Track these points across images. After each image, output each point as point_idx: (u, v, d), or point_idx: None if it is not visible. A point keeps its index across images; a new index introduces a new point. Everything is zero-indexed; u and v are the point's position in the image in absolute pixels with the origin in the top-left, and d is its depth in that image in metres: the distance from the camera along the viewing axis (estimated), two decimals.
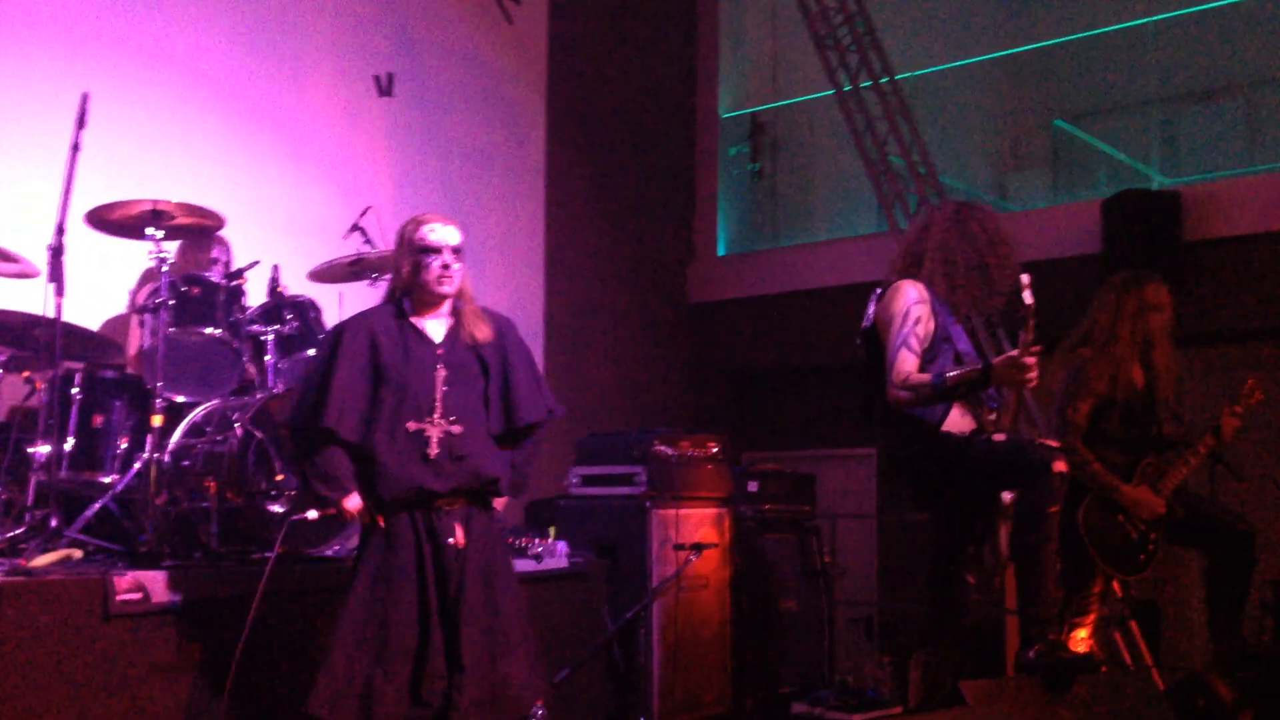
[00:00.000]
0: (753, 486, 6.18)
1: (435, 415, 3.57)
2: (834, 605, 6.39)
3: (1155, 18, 8.08)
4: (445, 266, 3.70)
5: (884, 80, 8.18)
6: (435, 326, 3.73)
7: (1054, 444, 3.94)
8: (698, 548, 5.54)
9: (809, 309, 8.51)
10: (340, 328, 3.71)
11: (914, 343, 3.94)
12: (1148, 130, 8.46)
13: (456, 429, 3.59)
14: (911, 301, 4.01)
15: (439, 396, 3.59)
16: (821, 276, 8.52)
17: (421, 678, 3.48)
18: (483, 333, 3.76)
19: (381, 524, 3.56)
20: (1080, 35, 8.44)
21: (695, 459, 5.83)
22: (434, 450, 3.55)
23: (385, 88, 7.12)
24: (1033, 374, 3.74)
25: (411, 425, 3.55)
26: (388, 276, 5.53)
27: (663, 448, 5.70)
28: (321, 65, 6.87)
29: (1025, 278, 3.79)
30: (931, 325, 4.00)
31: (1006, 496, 4.01)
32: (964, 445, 3.95)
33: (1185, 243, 7.06)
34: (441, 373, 3.62)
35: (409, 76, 7.26)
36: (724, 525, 5.86)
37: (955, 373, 3.85)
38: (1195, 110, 8.41)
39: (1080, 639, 4.55)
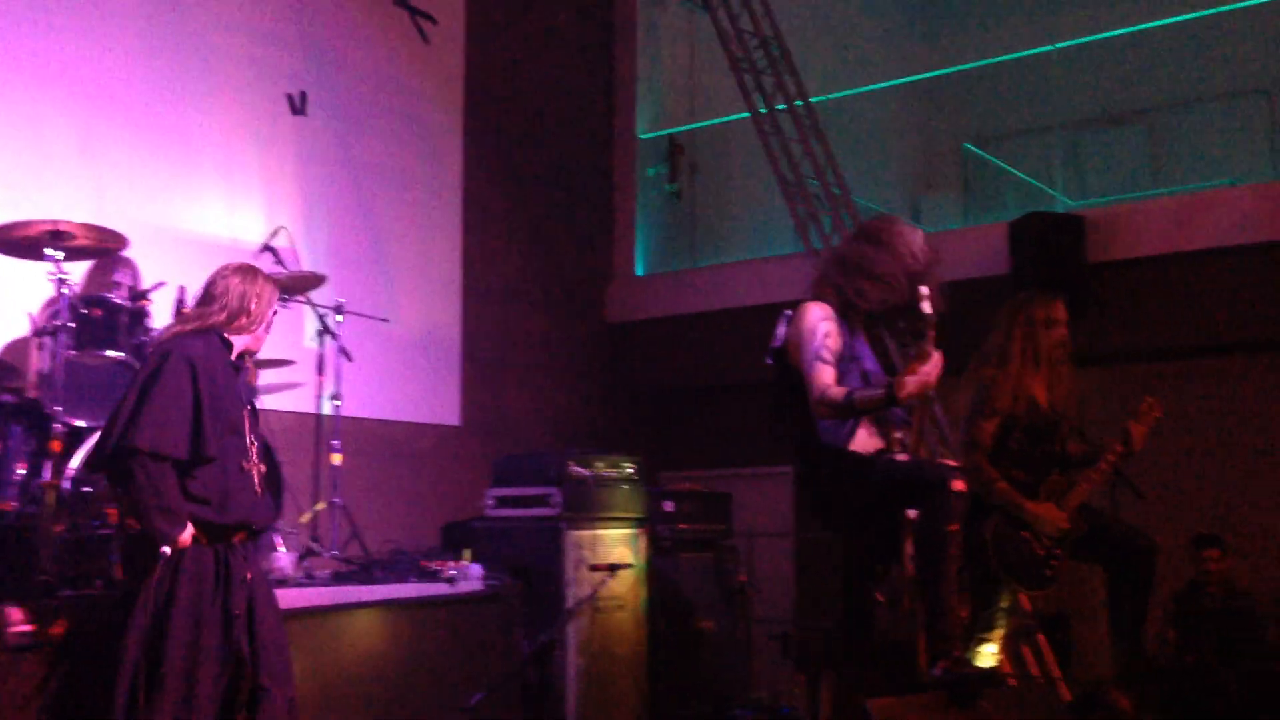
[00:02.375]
0: (669, 506, 6.19)
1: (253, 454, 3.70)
2: (751, 624, 6.41)
3: (1061, 45, 8.29)
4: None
5: (798, 103, 8.29)
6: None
7: (952, 463, 4.00)
8: (613, 568, 5.54)
9: (726, 328, 8.56)
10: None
11: (826, 355, 4.01)
12: (1054, 154, 8.68)
13: (263, 468, 3.74)
14: (818, 319, 4.07)
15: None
16: (738, 296, 8.58)
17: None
18: None
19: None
20: (989, 61, 8.64)
21: (610, 479, 5.83)
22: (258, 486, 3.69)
23: (298, 106, 7.04)
24: (931, 382, 3.82)
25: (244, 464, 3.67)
26: (300, 298, 5.51)
27: (578, 468, 5.69)
28: (233, 83, 6.76)
29: (924, 289, 3.87)
30: (839, 342, 4.06)
31: (911, 514, 4.06)
32: (867, 465, 4.01)
33: (1089, 264, 7.22)
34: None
35: (323, 95, 7.19)
36: (640, 545, 5.86)
37: (863, 394, 3.91)
38: (1099, 135, 8.65)
39: (988, 654, 4.61)
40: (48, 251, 4.50)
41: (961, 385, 4.85)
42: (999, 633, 4.68)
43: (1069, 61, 8.35)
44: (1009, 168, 8.84)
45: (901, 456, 4.03)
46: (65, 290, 4.49)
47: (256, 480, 3.68)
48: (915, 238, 4.17)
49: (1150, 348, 7.16)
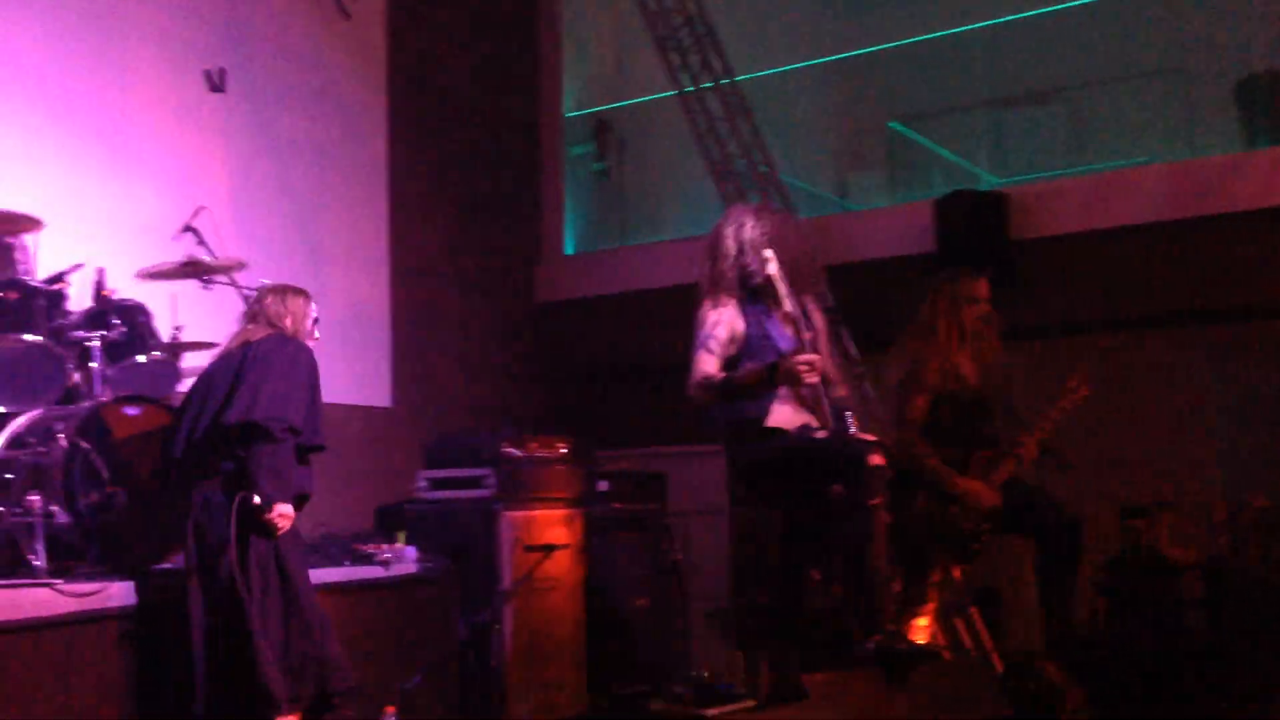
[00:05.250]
0: (603, 486, 6.19)
1: None
2: (687, 602, 6.43)
3: (984, 23, 8.38)
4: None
5: (724, 81, 8.28)
6: None
7: (871, 438, 4.06)
8: (549, 549, 5.53)
9: (656, 307, 8.55)
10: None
11: (713, 344, 4.14)
12: (977, 132, 8.78)
13: None
14: (706, 309, 4.22)
15: None
16: (668, 275, 8.54)
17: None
18: None
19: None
20: (913, 40, 8.70)
21: (544, 460, 5.81)
22: None
23: (217, 83, 6.85)
24: (812, 375, 3.90)
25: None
26: (224, 279, 5.38)
27: (511, 449, 5.66)
28: (147, 58, 6.58)
29: (767, 251, 4.02)
30: (741, 326, 4.12)
31: (837, 490, 4.10)
32: (785, 440, 4.05)
33: (1013, 241, 7.34)
34: None
35: (242, 72, 7.01)
36: (575, 526, 5.85)
37: (742, 373, 4.01)
38: (1022, 113, 8.76)
39: (920, 627, 4.68)
40: None
41: (890, 361, 4.92)
42: (931, 606, 4.76)
43: (993, 39, 8.44)
44: (934, 146, 8.93)
45: (820, 434, 4.08)
46: None
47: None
48: (747, 211, 4.40)
49: (1072, 322, 7.29)
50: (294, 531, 4.01)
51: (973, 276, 4.89)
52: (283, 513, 3.90)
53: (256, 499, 3.83)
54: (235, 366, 4.03)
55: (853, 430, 4.21)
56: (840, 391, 4.39)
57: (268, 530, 3.87)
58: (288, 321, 4.25)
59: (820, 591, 4.36)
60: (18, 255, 5.10)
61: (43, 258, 5.27)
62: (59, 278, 4.84)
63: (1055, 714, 4.10)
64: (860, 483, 3.91)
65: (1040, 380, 5.06)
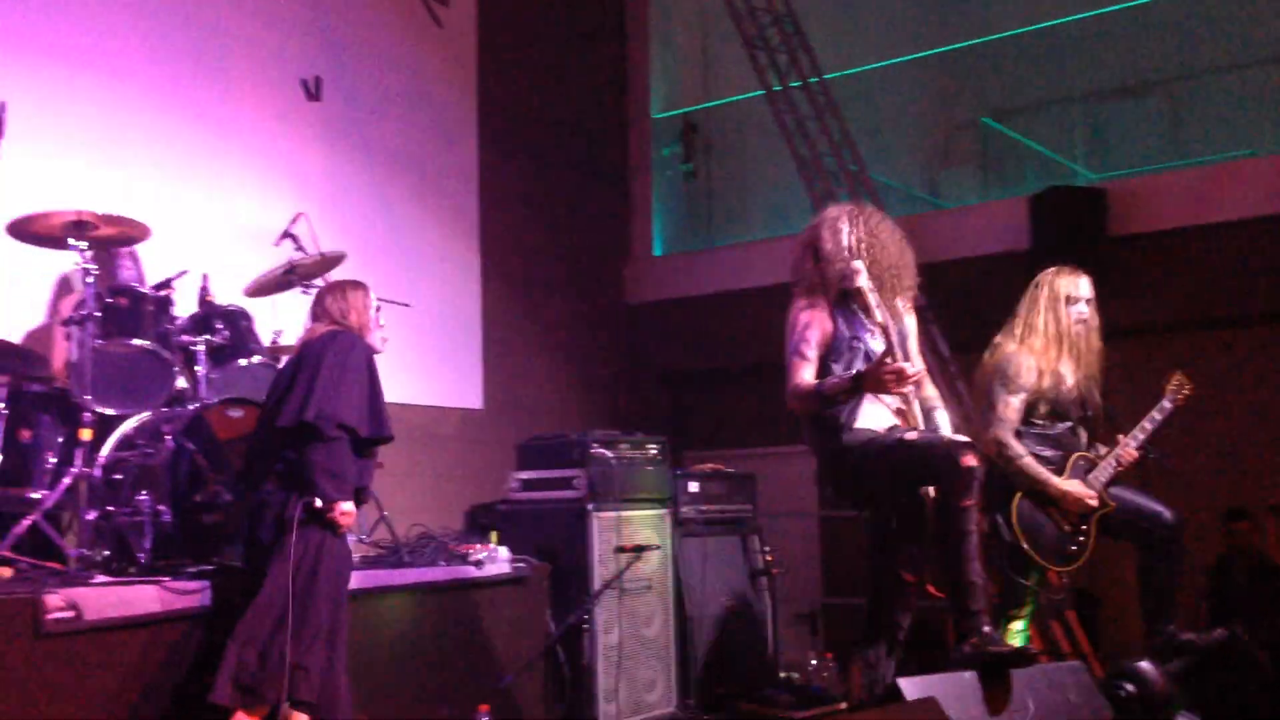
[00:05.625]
0: (693, 487, 6.18)
1: None
2: (777, 603, 6.40)
3: (1079, 16, 8.22)
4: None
5: (813, 80, 8.24)
6: None
7: (965, 439, 4.00)
8: (639, 550, 5.54)
9: (745, 307, 8.54)
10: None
11: (806, 350, 4.08)
12: (1073, 127, 8.61)
13: None
14: (797, 311, 4.16)
15: None
16: (757, 275, 8.55)
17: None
18: None
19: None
20: (1007, 34, 8.57)
21: (635, 461, 5.82)
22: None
23: (313, 92, 7.03)
24: (898, 384, 3.85)
25: None
26: (317, 283, 5.50)
27: (601, 450, 5.68)
28: (248, 70, 6.75)
29: (857, 263, 3.96)
30: (830, 327, 4.09)
31: (930, 492, 4.06)
32: (874, 442, 4.01)
33: (1111, 237, 7.19)
34: None
35: (338, 81, 7.18)
36: (665, 526, 5.86)
37: (832, 382, 3.97)
38: (1119, 106, 8.57)
39: (1017, 631, 4.62)
40: (70, 242, 4.50)
41: (984, 361, 4.84)
42: (1028, 610, 4.69)
43: (1087, 33, 8.27)
44: (1028, 141, 8.78)
45: (911, 435, 4.03)
46: (90, 280, 4.50)
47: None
48: (840, 212, 4.30)
49: (1174, 321, 7.12)
50: (343, 536, 3.97)
51: (1076, 275, 4.78)
52: (344, 511, 3.88)
53: (318, 502, 3.80)
54: (292, 369, 4.03)
55: (944, 431, 4.16)
56: (931, 392, 4.34)
57: (333, 528, 3.86)
58: (352, 317, 4.18)
59: (914, 594, 4.31)
60: (129, 263, 5.28)
61: (148, 264, 5.47)
62: (166, 284, 4.98)
63: (1157, 719, 4.01)
64: (954, 483, 3.86)
65: (1140, 380, 4.96)
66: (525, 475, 5.91)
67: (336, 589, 3.89)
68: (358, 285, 4.28)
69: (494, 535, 5.45)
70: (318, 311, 4.22)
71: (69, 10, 5.98)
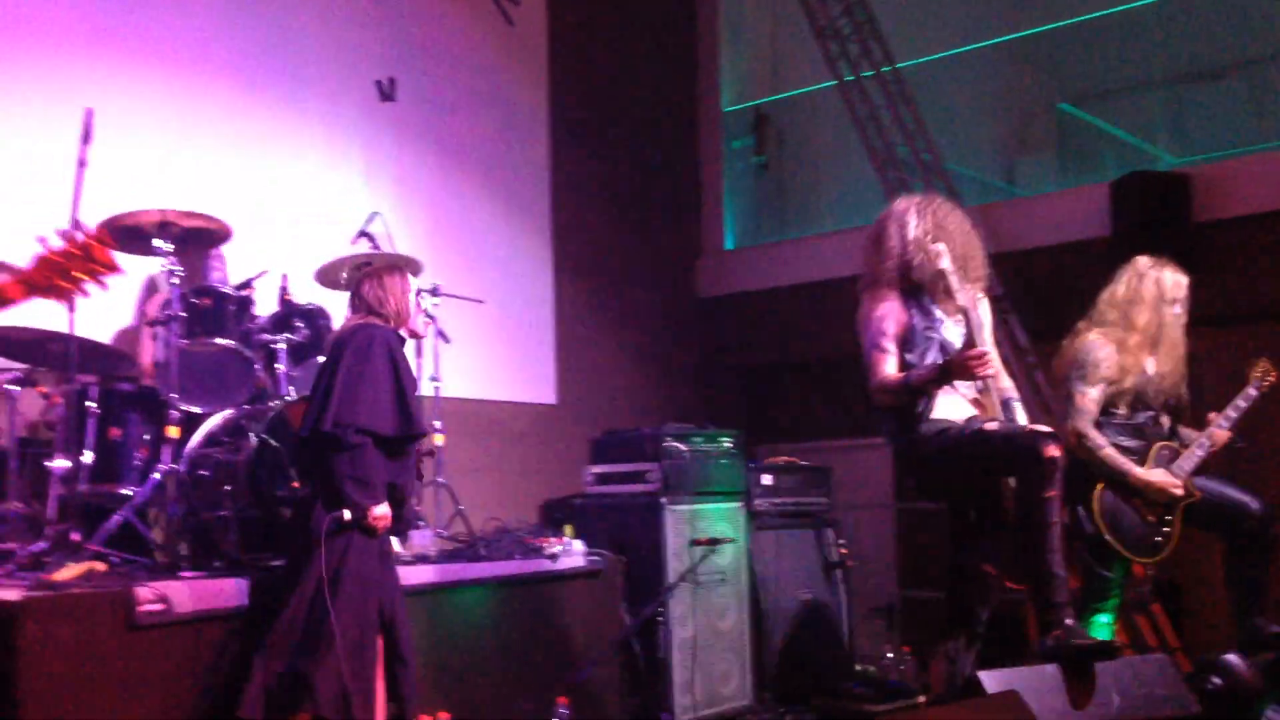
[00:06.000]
0: (767, 480, 6.18)
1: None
2: (853, 596, 6.38)
3: None
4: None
5: (885, 69, 8.16)
6: None
7: (1046, 429, 3.94)
8: (714, 543, 5.55)
9: (818, 300, 8.50)
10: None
11: (885, 343, 4.05)
12: (1153, 111, 8.42)
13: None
14: (872, 303, 4.15)
15: None
16: (829, 267, 8.48)
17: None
18: None
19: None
20: (1082, 18, 8.40)
21: (708, 454, 5.83)
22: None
23: (387, 92, 7.12)
24: (984, 368, 3.81)
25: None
26: None
27: (675, 444, 5.70)
28: (322, 71, 6.85)
29: (939, 245, 3.92)
30: (905, 318, 4.05)
31: (1011, 483, 4.00)
32: (952, 433, 3.97)
33: (1195, 223, 7.03)
34: None
35: (410, 81, 7.26)
36: (739, 519, 5.86)
37: (919, 372, 3.94)
38: (1201, 89, 8.37)
39: (1101, 624, 4.54)
40: (154, 242, 4.61)
41: (1063, 347, 4.77)
42: (1112, 602, 4.61)
43: (1165, 14, 8.09)
44: (1107, 126, 8.61)
45: (991, 425, 3.98)
46: (175, 281, 4.60)
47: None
48: (911, 203, 4.25)
49: (1261, 308, 6.95)
50: (380, 540, 3.89)
51: (1178, 273, 4.68)
52: (377, 515, 3.80)
53: (347, 514, 3.74)
54: (323, 370, 3.98)
55: (1021, 421, 4.11)
56: (1006, 382, 4.29)
57: (371, 533, 3.81)
58: (390, 305, 4.03)
59: (994, 586, 4.26)
60: (214, 263, 5.39)
61: (230, 264, 5.57)
62: (247, 284, 5.07)
63: (1247, 714, 3.92)
64: (1035, 474, 3.81)
65: (1224, 367, 4.85)
66: (599, 469, 5.95)
67: (363, 603, 3.77)
68: (394, 269, 4.16)
69: (569, 529, 5.49)
70: (355, 302, 4.11)
71: (148, 16, 6.10)
